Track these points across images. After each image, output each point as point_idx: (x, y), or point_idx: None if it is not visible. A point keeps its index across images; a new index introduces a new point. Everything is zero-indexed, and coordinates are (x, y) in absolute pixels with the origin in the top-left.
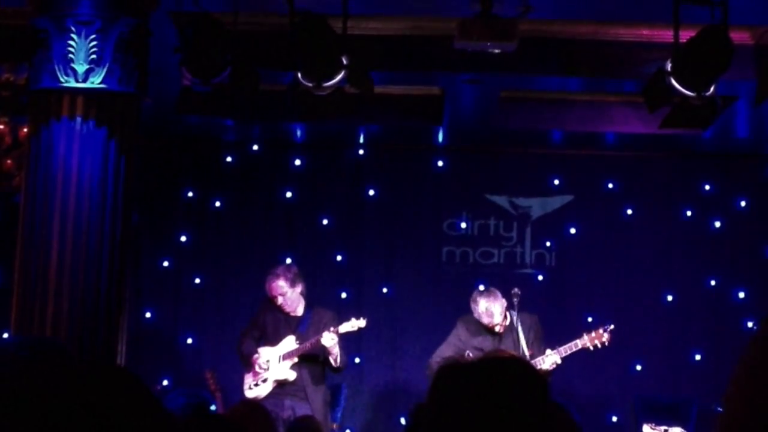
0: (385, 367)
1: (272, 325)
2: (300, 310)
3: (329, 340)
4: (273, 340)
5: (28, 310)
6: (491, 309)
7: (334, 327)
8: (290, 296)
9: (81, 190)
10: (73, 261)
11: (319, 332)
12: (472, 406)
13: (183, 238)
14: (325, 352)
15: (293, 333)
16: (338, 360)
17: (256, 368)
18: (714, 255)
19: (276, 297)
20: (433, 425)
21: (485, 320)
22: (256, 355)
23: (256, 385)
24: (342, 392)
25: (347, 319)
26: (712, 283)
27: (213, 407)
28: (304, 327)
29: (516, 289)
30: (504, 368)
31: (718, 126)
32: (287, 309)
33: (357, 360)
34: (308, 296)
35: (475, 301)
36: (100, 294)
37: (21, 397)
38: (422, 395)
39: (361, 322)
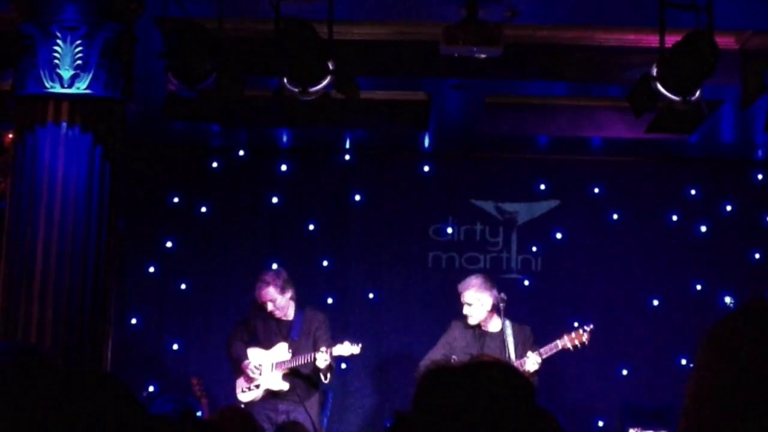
0: (371, 372)
1: (263, 329)
2: (291, 314)
3: (322, 361)
4: (264, 344)
5: (13, 316)
6: (470, 282)
7: (327, 346)
8: (280, 303)
9: (66, 196)
10: (59, 267)
11: (310, 337)
12: (456, 411)
13: (169, 244)
14: (316, 369)
15: (285, 340)
16: (328, 377)
17: (249, 373)
18: (700, 259)
19: (266, 303)
20: (418, 430)
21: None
22: (246, 361)
23: (249, 389)
24: (328, 398)
25: (340, 341)
26: (698, 287)
27: (199, 413)
28: (296, 332)
29: (502, 294)
30: (489, 372)
31: (703, 130)
32: (278, 315)
33: (343, 366)
34: (300, 299)
35: (468, 278)
36: (85, 300)
37: (4, 404)
38: (408, 400)
39: (356, 348)
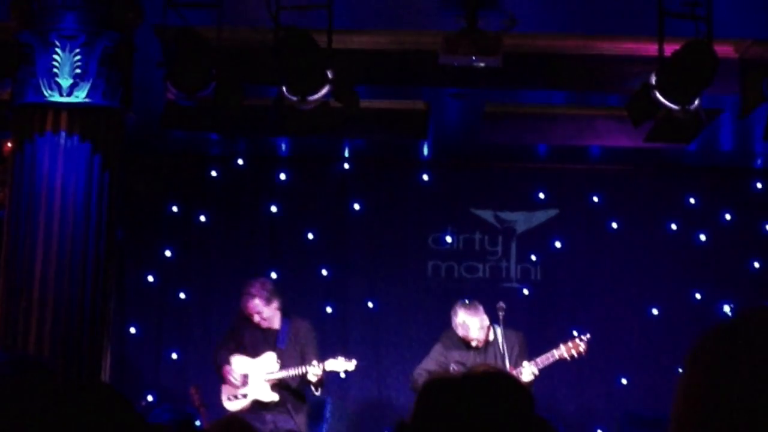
0: (370, 381)
1: (250, 338)
2: (277, 323)
3: (313, 376)
4: (251, 352)
5: (12, 326)
6: (467, 322)
7: (315, 357)
8: (266, 314)
9: (65, 205)
10: (57, 276)
11: (297, 346)
12: (457, 421)
13: (167, 253)
14: (307, 381)
15: (272, 349)
16: (319, 390)
17: (230, 380)
18: (699, 268)
19: (252, 315)
20: None
21: (460, 332)
22: (227, 367)
23: (236, 397)
24: (327, 407)
25: (323, 345)
26: (698, 296)
27: (198, 423)
28: (283, 342)
29: (501, 303)
30: (489, 382)
31: (702, 139)
32: (265, 325)
33: (342, 375)
34: (286, 307)
35: (455, 312)
36: (84, 309)
37: (4, 414)
38: (407, 410)
39: (350, 365)
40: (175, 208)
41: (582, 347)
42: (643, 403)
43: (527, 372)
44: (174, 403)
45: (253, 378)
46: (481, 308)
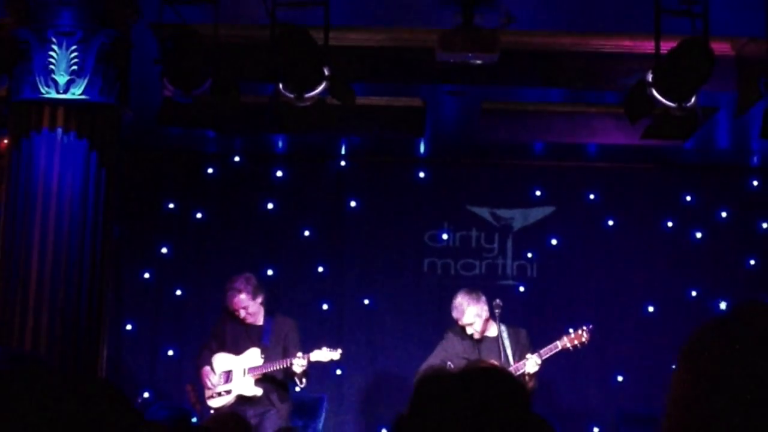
0: (367, 378)
1: (231, 334)
2: (260, 319)
3: (299, 366)
4: (233, 349)
5: (8, 322)
6: (463, 306)
7: (300, 351)
8: (252, 309)
9: (62, 202)
10: (54, 273)
11: (280, 342)
12: (452, 416)
13: (164, 250)
14: (291, 374)
15: (257, 345)
16: (303, 382)
17: (207, 383)
18: (695, 266)
19: (238, 310)
20: None
21: (454, 314)
22: (206, 369)
23: (219, 394)
24: (323, 404)
25: (319, 343)
26: (693, 294)
27: (194, 420)
28: (267, 338)
29: (498, 301)
30: (485, 378)
31: (699, 137)
32: (250, 320)
33: (338, 371)
34: (269, 304)
35: (455, 296)
36: (80, 306)
37: (1, 409)
38: (404, 406)
39: (335, 354)
40: (171, 205)
41: (585, 337)
42: (639, 401)
43: (531, 363)
44: (170, 401)
45: (237, 374)
46: (483, 299)
